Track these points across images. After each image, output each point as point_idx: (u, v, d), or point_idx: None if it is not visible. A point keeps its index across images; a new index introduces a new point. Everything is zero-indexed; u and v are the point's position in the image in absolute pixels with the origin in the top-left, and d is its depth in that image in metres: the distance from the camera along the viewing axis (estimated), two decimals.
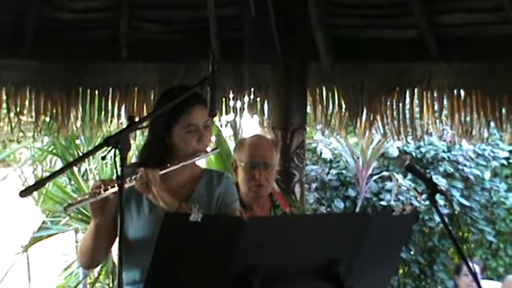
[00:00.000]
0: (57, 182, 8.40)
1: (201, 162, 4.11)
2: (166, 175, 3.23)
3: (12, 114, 6.05)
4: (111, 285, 7.64)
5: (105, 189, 3.04)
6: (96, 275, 7.92)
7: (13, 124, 6.08)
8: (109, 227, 3.11)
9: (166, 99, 3.19)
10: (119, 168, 2.63)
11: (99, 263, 3.98)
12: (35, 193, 8.62)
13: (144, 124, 3.26)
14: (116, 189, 2.97)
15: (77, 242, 8.68)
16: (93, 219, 3.20)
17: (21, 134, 6.51)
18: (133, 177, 3.13)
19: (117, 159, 2.62)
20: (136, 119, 2.90)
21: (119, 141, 2.61)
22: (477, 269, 6.99)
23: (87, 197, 3.11)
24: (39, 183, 2.73)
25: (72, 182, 8.39)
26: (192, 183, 3.41)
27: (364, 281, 2.96)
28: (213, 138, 7.33)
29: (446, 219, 8.12)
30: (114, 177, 2.70)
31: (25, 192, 2.60)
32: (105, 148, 2.67)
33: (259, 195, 4.11)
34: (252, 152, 4.09)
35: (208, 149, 3.41)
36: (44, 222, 8.50)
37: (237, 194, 3.53)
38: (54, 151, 8.75)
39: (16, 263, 8.85)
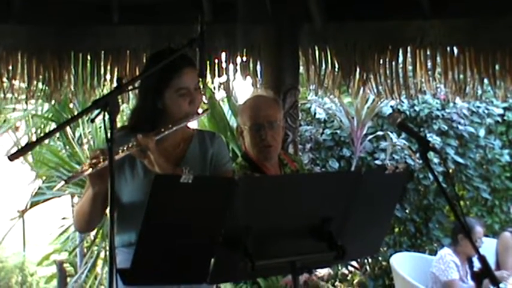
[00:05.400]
0: (52, 148, 8.40)
1: (194, 124, 4.10)
2: (159, 138, 3.24)
3: (4, 80, 6.04)
4: (107, 248, 7.65)
5: (104, 159, 3.06)
6: (92, 239, 7.94)
7: (5, 89, 6.07)
8: (107, 194, 3.11)
9: (155, 63, 3.18)
10: (108, 131, 2.62)
11: (96, 227, 4.01)
12: (31, 159, 8.64)
13: (133, 86, 3.26)
14: (115, 157, 2.99)
15: (73, 206, 8.70)
16: (91, 188, 3.22)
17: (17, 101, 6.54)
18: (129, 145, 3.15)
19: (107, 121, 2.62)
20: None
21: (107, 103, 2.61)
22: (481, 231, 7.01)
23: (86, 168, 3.13)
24: (27, 147, 2.72)
25: (67, 147, 8.38)
26: (184, 144, 3.43)
27: (357, 239, 2.97)
28: (206, 101, 7.32)
29: (441, 177, 8.16)
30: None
31: (14, 156, 2.60)
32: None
33: (270, 156, 4.03)
34: (254, 113, 4.01)
35: (200, 110, 3.41)
36: (39, 187, 8.50)
37: (229, 155, 3.53)
38: (49, 116, 8.75)
39: (13, 228, 8.88)
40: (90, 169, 3.11)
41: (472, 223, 6.95)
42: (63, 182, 7.64)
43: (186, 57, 3.26)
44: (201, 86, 3.45)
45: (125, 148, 3.15)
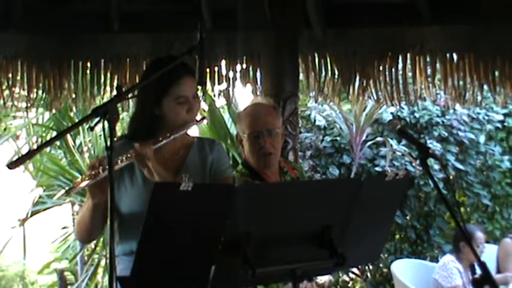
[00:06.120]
0: (52, 156, 8.41)
1: (195, 132, 4.11)
2: (157, 147, 3.24)
3: (4, 88, 6.04)
4: (107, 256, 7.65)
5: (103, 169, 3.07)
6: (93, 247, 7.94)
7: (5, 98, 6.08)
8: (107, 205, 3.11)
9: (155, 70, 3.18)
10: (108, 139, 2.62)
11: (97, 237, 4.01)
12: (32, 167, 8.65)
13: (133, 94, 3.26)
14: (114, 167, 2.99)
15: (73, 214, 8.70)
16: (91, 199, 3.21)
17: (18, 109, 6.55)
18: (128, 155, 3.15)
19: (106, 129, 2.62)
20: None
21: (107, 111, 2.61)
22: (482, 237, 7.01)
23: (86, 179, 3.14)
24: (27, 155, 2.72)
25: (68, 156, 8.38)
26: (184, 151, 3.43)
27: (357, 246, 2.97)
28: (206, 108, 7.32)
29: (441, 184, 8.15)
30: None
31: (13, 164, 2.60)
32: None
33: (270, 164, 4.01)
34: (252, 121, 3.99)
35: (198, 117, 3.42)
36: (40, 196, 8.51)
37: (229, 161, 3.53)
38: (50, 125, 8.76)
39: (13, 237, 8.88)
40: (90, 180, 3.11)
41: (472, 229, 6.95)
42: (63, 191, 7.67)
43: (185, 66, 3.26)
44: (201, 94, 3.46)
45: (124, 158, 3.16)
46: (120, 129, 6.98)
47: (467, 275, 6.83)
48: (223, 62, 6.08)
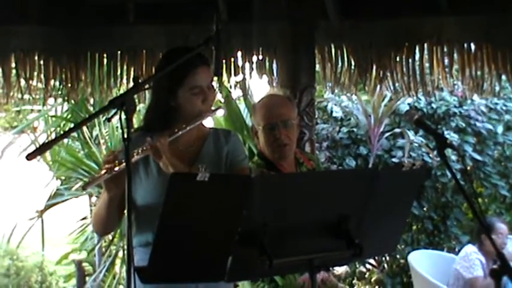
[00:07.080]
0: (69, 148, 8.44)
1: (210, 124, 4.11)
2: (173, 139, 3.24)
3: (22, 80, 6.07)
4: (125, 247, 7.67)
5: (120, 163, 3.08)
6: (110, 238, 7.97)
7: (23, 90, 6.11)
8: (123, 197, 3.11)
9: (170, 60, 3.18)
10: (125, 130, 2.63)
11: (113, 230, 4.01)
12: (50, 158, 8.68)
13: (149, 85, 3.27)
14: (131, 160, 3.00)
15: (91, 206, 8.74)
16: (107, 192, 3.22)
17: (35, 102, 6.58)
18: (144, 148, 3.15)
19: (123, 120, 2.62)
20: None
21: (124, 102, 2.61)
22: (504, 228, 6.96)
23: (103, 173, 3.15)
24: (45, 146, 2.73)
25: (85, 148, 8.40)
26: (199, 142, 3.43)
27: (374, 236, 2.96)
28: (222, 100, 7.32)
29: (458, 175, 8.11)
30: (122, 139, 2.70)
31: (31, 155, 2.62)
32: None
33: (285, 155, 4.02)
34: (267, 113, 4.00)
35: (213, 107, 3.42)
36: (58, 188, 8.55)
37: (245, 151, 3.53)
38: (67, 117, 8.79)
39: (32, 228, 8.93)
40: (106, 174, 3.12)
41: (492, 221, 6.92)
42: (80, 183, 7.70)
43: (200, 56, 3.25)
44: (217, 85, 3.47)
45: (140, 151, 3.17)
46: (136, 121, 6.99)
47: (488, 267, 6.79)
48: (239, 54, 6.08)
